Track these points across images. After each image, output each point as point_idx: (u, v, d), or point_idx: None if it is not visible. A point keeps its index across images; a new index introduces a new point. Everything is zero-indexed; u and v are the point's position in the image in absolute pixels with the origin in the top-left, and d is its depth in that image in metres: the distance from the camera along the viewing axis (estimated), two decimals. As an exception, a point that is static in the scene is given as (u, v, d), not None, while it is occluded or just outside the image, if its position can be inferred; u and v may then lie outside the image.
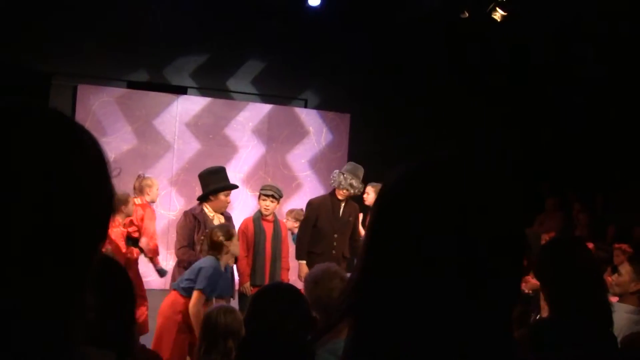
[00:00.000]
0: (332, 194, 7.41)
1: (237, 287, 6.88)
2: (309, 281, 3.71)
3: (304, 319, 3.05)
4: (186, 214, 6.57)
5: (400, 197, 1.00)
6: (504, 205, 0.99)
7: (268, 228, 7.05)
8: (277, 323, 2.86)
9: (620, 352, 3.07)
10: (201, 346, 3.89)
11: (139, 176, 8.19)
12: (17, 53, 10.00)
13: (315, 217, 7.21)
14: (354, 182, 7.26)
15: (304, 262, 7.17)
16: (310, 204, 7.50)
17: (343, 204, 7.36)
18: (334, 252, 7.20)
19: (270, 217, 7.09)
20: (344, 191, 7.28)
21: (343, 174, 7.30)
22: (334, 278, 3.60)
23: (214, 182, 6.56)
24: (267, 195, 7.04)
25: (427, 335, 0.94)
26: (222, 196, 6.54)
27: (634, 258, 5.89)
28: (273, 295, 3.15)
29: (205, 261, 5.60)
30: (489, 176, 1.00)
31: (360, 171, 7.48)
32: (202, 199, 6.62)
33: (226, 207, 6.65)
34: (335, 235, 7.26)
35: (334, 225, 7.28)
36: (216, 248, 5.68)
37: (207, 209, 6.52)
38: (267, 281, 6.80)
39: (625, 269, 4.65)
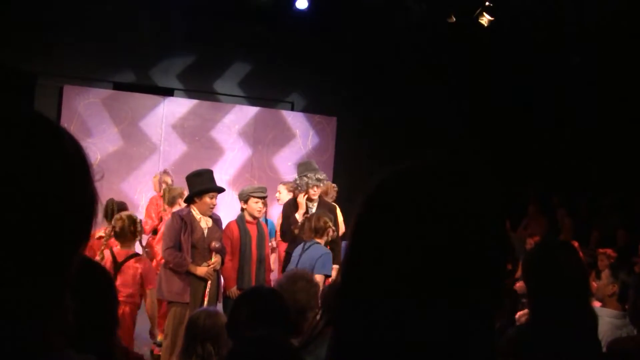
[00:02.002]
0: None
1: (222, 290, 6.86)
2: (274, 288, 3.79)
3: (286, 323, 3.05)
4: (173, 215, 6.61)
5: (379, 207, 0.99)
6: (486, 210, 0.98)
7: (253, 230, 7.04)
8: (260, 330, 2.85)
9: (605, 357, 3.08)
10: (182, 347, 3.94)
11: (164, 171, 8.92)
12: (2, 53, 9.92)
13: (290, 214, 7.23)
14: (318, 175, 7.30)
15: None
16: (285, 204, 7.61)
17: (315, 204, 7.35)
18: None
19: (254, 220, 7.09)
20: (316, 188, 7.28)
21: (304, 176, 7.29)
22: (298, 280, 3.76)
23: (199, 185, 6.56)
24: (261, 197, 7.05)
25: (406, 348, 0.92)
26: (206, 198, 6.54)
27: (613, 262, 5.95)
28: (253, 301, 3.14)
29: (318, 249, 6.04)
30: (471, 181, 0.99)
31: (313, 163, 7.61)
32: (188, 201, 6.63)
33: (212, 209, 6.64)
34: None
35: None
36: (319, 232, 6.14)
37: (195, 211, 6.53)
38: (253, 283, 6.80)
39: (605, 273, 4.72)
